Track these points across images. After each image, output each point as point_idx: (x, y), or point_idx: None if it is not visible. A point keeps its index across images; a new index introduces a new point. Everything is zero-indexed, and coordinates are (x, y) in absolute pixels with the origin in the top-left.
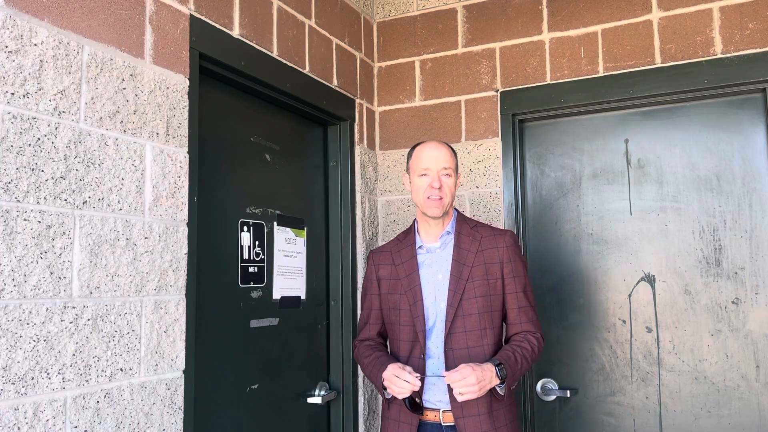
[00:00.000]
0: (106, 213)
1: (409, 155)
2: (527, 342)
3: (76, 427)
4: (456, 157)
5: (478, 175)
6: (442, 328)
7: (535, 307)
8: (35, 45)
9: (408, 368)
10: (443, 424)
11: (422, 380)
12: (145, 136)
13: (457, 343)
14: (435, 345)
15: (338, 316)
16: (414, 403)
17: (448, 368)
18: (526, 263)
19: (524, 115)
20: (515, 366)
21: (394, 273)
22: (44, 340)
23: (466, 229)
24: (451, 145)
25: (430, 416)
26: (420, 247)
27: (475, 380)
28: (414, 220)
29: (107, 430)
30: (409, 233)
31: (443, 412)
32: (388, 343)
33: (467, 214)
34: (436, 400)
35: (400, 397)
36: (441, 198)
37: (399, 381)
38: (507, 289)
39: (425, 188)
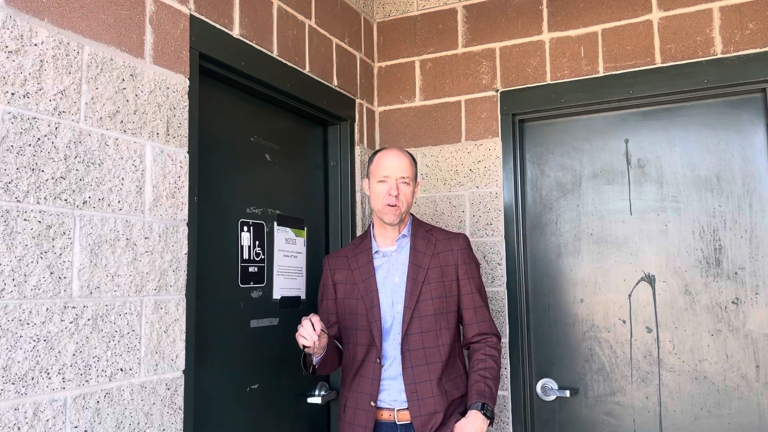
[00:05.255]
0: (106, 213)
1: (370, 160)
2: (490, 359)
3: (76, 427)
4: (416, 166)
5: (478, 175)
6: (399, 330)
7: (488, 307)
8: (35, 45)
9: (321, 324)
10: (398, 423)
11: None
12: (145, 136)
13: (414, 344)
14: (392, 347)
15: None
16: (307, 362)
17: (404, 369)
18: (479, 265)
19: (524, 115)
20: (493, 395)
21: (350, 277)
22: (44, 340)
23: (422, 232)
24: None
25: (384, 415)
26: (376, 252)
27: None
28: (370, 225)
29: (107, 430)
30: (365, 238)
31: (398, 411)
32: (342, 347)
33: (467, 214)
34: (390, 399)
35: (299, 341)
36: (397, 206)
37: (307, 327)
38: (462, 290)
39: (383, 195)
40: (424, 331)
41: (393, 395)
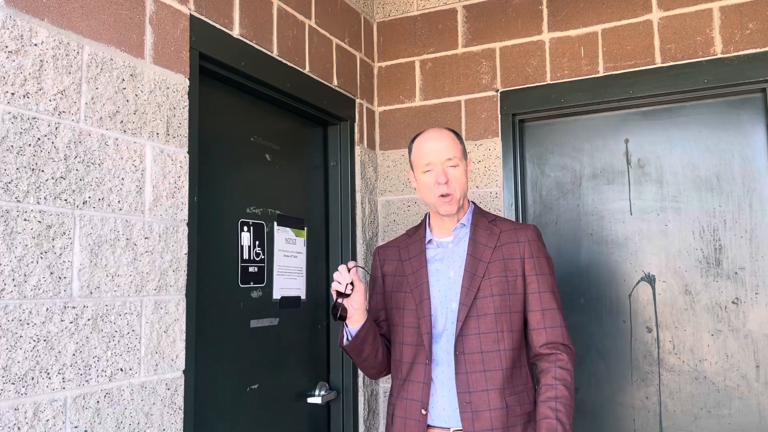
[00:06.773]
0: (106, 213)
1: (410, 149)
2: (561, 384)
3: (76, 427)
4: (461, 142)
5: (478, 175)
6: (453, 331)
7: (561, 311)
8: (35, 45)
9: (352, 272)
10: None
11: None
12: (145, 136)
13: (470, 346)
14: (444, 350)
15: None
16: (336, 309)
17: (457, 374)
18: (552, 261)
19: (524, 115)
20: (566, 431)
21: (400, 269)
22: (44, 340)
23: (484, 222)
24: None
25: None
26: (430, 241)
27: None
28: (426, 214)
29: (107, 430)
30: (420, 228)
31: (454, 431)
32: (391, 346)
33: None
34: (446, 416)
35: (333, 288)
36: (450, 194)
37: (341, 270)
38: (529, 288)
39: (432, 185)
40: (482, 332)
41: (448, 411)
